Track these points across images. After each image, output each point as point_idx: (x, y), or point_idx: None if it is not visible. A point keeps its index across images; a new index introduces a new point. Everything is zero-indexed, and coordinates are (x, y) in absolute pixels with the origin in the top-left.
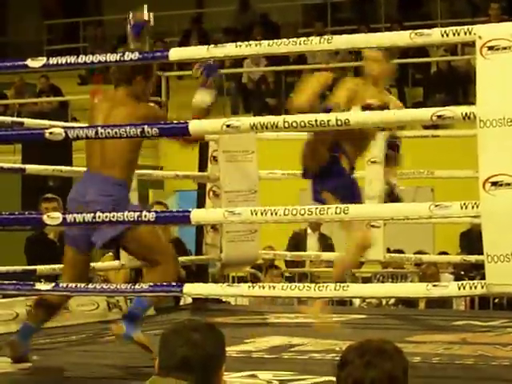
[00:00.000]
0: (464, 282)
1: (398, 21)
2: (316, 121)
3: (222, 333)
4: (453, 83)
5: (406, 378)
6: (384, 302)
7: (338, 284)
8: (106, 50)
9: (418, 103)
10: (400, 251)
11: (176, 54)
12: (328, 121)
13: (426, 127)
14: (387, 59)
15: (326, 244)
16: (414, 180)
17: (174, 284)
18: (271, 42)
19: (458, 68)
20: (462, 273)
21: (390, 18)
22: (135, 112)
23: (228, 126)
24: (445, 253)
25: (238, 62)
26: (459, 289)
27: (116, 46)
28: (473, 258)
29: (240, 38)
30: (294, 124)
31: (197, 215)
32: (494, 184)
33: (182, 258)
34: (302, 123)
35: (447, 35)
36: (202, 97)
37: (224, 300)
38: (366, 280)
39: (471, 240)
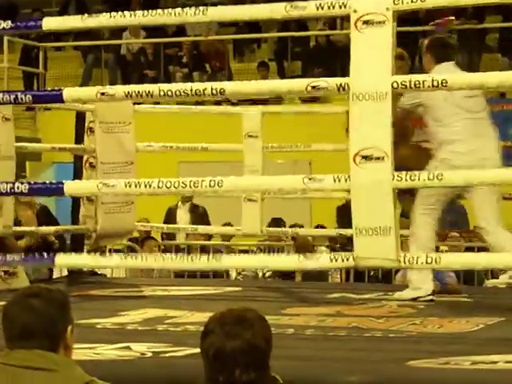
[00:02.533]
0: (336, 255)
1: None
2: (191, 90)
3: (64, 295)
4: (331, 57)
5: (268, 347)
6: (260, 274)
7: (210, 255)
8: None
9: (297, 77)
10: (278, 224)
11: (49, 23)
12: (204, 89)
13: (304, 101)
14: None
15: (199, 215)
16: (291, 154)
17: (45, 255)
18: (146, 12)
19: (336, 42)
20: (338, 246)
21: None
22: None
23: (102, 93)
24: (322, 226)
25: (116, 33)
26: (331, 261)
27: None
28: (348, 232)
29: (119, 9)
30: (170, 93)
31: (70, 187)
32: (364, 158)
33: (54, 228)
34: (178, 92)
35: (322, 8)
36: None
37: (100, 272)
38: (243, 253)
39: (347, 214)
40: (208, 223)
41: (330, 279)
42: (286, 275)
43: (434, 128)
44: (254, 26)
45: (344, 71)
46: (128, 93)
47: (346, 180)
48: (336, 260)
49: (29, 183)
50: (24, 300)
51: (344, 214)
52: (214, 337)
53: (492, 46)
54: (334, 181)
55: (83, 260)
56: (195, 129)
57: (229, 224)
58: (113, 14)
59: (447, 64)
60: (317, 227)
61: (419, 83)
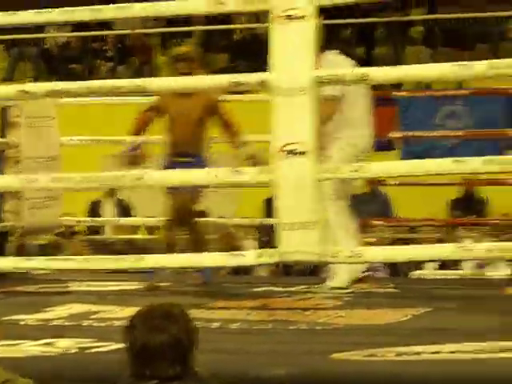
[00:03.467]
0: (262, 251)
1: None
2: (113, 86)
3: None
4: (256, 50)
5: (192, 341)
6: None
7: (133, 256)
8: None
9: (222, 69)
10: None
11: None
12: (125, 86)
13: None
14: None
15: (124, 209)
16: (220, 145)
17: None
18: (64, 9)
19: (262, 35)
20: (267, 239)
21: None
22: None
23: (22, 91)
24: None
25: (41, 27)
26: (257, 257)
27: None
28: (273, 222)
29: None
30: (90, 90)
31: None
32: (288, 152)
33: None
34: (99, 88)
35: (245, 3)
36: None
37: None
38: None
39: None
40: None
41: (257, 272)
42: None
43: (346, 113)
44: (180, 19)
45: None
46: (49, 91)
47: (268, 173)
48: (262, 256)
49: None
50: None
51: (271, 208)
52: (139, 332)
53: (416, 39)
54: (257, 173)
55: (4, 263)
56: (122, 121)
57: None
58: (30, 11)
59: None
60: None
61: (341, 77)
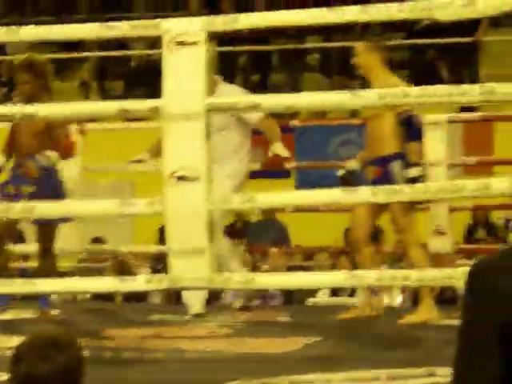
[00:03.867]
0: (151, 276)
1: (100, 12)
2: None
3: None
4: (153, 77)
5: (81, 370)
6: (80, 296)
7: (25, 280)
8: None
9: (118, 97)
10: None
11: None
12: (14, 113)
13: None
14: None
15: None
16: (112, 173)
17: None
18: None
19: (158, 62)
20: (161, 267)
21: (93, 10)
22: None
23: None
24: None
25: None
26: (147, 283)
27: None
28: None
29: None
30: None
31: None
32: (179, 178)
33: None
34: None
35: (136, 28)
36: None
37: None
38: (64, 274)
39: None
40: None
41: (150, 300)
42: (106, 297)
43: (242, 139)
44: (75, 45)
45: None
46: None
47: (159, 203)
48: (151, 282)
49: None
50: None
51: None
52: (26, 361)
53: (313, 66)
54: (148, 204)
55: None
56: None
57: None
58: None
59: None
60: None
61: (233, 105)
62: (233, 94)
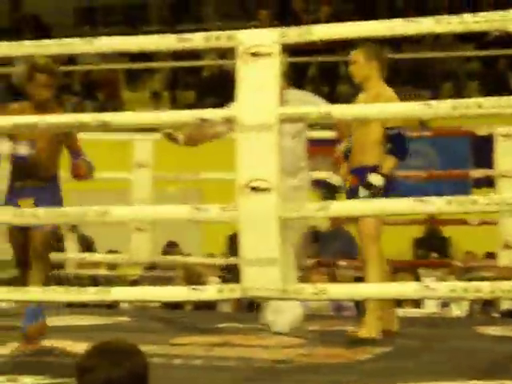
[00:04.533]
0: (223, 286)
1: (170, 23)
2: (76, 121)
3: None
4: (224, 87)
5: (147, 375)
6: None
7: (99, 288)
8: None
9: (190, 106)
10: (172, 247)
11: None
12: (89, 121)
13: None
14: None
15: (86, 245)
16: (182, 182)
17: None
18: (36, 43)
19: (229, 72)
20: (230, 276)
21: (163, 21)
22: None
23: None
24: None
25: (7, 61)
26: (218, 292)
27: None
28: (237, 261)
29: (11, 38)
30: (54, 125)
31: None
32: (252, 189)
33: None
34: (62, 125)
35: (209, 40)
36: None
37: None
38: (135, 283)
39: (238, 243)
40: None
41: (220, 308)
42: (175, 305)
43: (302, 153)
44: (146, 55)
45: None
46: (17, 125)
47: (232, 210)
48: (223, 291)
49: None
50: None
51: (236, 243)
52: (95, 369)
53: None
54: (221, 210)
55: None
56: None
57: (115, 252)
58: (2, 43)
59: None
60: (208, 256)
61: (306, 115)
62: (301, 99)
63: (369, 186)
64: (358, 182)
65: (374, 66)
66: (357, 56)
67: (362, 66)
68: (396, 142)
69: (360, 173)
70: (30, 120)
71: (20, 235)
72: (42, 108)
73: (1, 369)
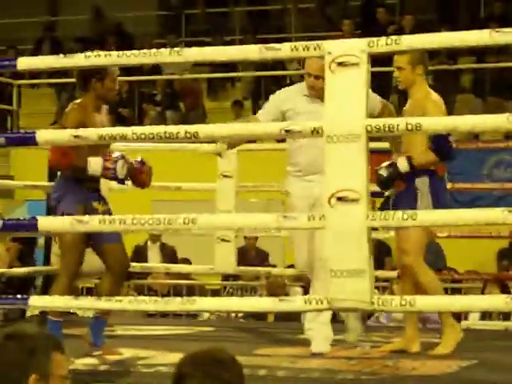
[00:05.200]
0: (310, 297)
1: (252, 33)
2: (165, 132)
3: (38, 341)
4: None
5: None
6: (233, 314)
7: (184, 298)
8: None
9: None
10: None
11: (24, 62)
12: (177, 133)
13: (278, 140)
14: None
15: (169, 254)
16: (265, 193)
17: (19, 296)
18: (121, 53)
19: None
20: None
21: (245, 30)
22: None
23: (76, 136)
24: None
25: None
26: (305, 303)
27: None
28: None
29: (93, 47)
30: (143, 136)
31: (44, 223)
32: (339, 199)
33: (24, 269)
34: (151, 135)
35: (297, 50)
36: None
37: (72, 311)
38: (215, 292)
39: None
40: (177, 262)
41: (303, 320)
42: (259, 315)
43: None
44: (228, 64)
45: None
46: (101, 136)
47: (320, 219)
48: (310, 303)
49: (2, 220)
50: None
51: None
52: (190, 379)
53: (466, 87)
54: (309, 219)
55: (56, 302)
56: (168, 166)
57: (187, 261)
58: (87, 54)
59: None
60: (289, 267)
61: (393, 126)
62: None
63: (390, 166)
64: (406, 187)
65: (418, 71)
66: (401, 61)
67: (407, 71)
68: (438, 141)
69: (408, 177)
70: (122, 131)
71: (83, 246)
72: (99, 109)
73: (85, 378)
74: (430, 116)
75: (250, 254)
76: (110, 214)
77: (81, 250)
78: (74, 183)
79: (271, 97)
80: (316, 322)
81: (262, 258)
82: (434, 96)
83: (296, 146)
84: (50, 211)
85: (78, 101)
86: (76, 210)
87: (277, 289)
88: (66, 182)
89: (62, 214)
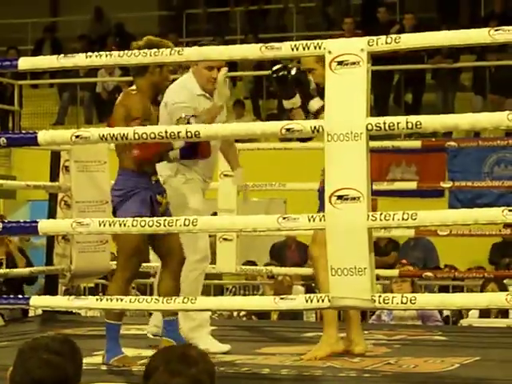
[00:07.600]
0: (311, 295)
1: (253, 32)
2: (166, 132)
3: (80, 353)
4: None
5: (212, 383)
6: (236, 313)
7: (186, 297)
8: None
9: (272, 115)
10: (253, 263)
11: (25, 63)
12: (178, 132)
13: (281, 139)
14: None
15: None
16: (266, 192)
17: (20, 296)
18: (122, 52)
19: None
20: (314, 285)
21: (245, 30)
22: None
23: (77, 136)
24: (298, 265)
25: (92, 71)
26: (306, 301)
27: None
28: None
29: (94, 47)
30: (144, 136)
31: (44, 226)
32: (340, 198)
33: (28, 269)
34: (152, 135)
35: (297, 49)
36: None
37: (74, 311)
38: (218, 291)
39: None
40: None
41: (305, 318)
42: (262, 314)
43: None
44: (229, 64)
45: None
46: (103, 136)
47: (320, 219)
48: (311, 301)
49: (2, 222)
50: (45, 353)
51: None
52: (158, 375)
53: (466, 85)
54: (309, 220)
55: (57, 302)
56: None
57: None
58: (88, 54)
59: None
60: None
61: (393, 125)
62: None
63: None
64: None
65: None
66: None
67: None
68: None
69: None
70: (123, 131)
71: (147, 248)
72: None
73: (87, 377)
74: None
75: (291, 247)
76: (168, 207)
77: (144, 253)
78: (139, 178)
79: (180, 104)
80: None
81: (302, 252)
82: None
83: None
84: (52, 211)
85: (134, 87)
86: (143, 208)
87: (286, 289)
88: (129, 179)
89: (129, 215)
